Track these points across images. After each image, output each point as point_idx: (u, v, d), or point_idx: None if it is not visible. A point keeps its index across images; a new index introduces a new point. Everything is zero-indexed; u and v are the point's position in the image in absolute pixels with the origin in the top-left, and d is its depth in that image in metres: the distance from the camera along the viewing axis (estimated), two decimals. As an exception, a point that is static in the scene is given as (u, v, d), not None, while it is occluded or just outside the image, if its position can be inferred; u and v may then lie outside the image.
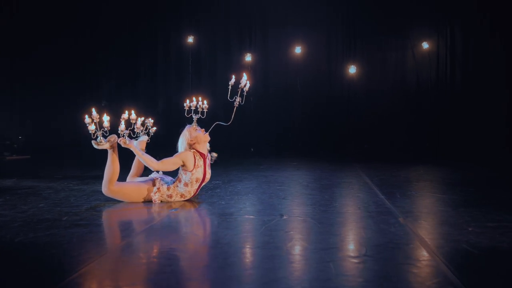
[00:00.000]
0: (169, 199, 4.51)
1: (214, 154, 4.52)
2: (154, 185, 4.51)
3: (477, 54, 10.64)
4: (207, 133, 4.55)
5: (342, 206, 4.37)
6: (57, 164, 8.01)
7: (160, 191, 4.48)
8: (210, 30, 11.69)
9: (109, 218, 3.98)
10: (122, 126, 4.33)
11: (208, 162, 4.56)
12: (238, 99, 4.48)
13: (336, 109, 11.59)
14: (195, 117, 4.55)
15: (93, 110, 4.28)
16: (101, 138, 4.38)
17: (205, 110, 4.58)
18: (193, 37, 11.00)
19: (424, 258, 2.75)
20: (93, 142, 4.40)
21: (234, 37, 11.71)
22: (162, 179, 4.57)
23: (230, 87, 4.40)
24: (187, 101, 4.62)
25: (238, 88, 4.47)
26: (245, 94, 4.51)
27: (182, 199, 4.55)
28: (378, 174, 6.62)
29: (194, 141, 4.46)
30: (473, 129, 10.42)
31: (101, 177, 4.48)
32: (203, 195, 4.87)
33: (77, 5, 10.84)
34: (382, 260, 2.72)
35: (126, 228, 3.69)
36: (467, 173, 6.95)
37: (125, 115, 4.39)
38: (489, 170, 7.34)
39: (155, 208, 4.28)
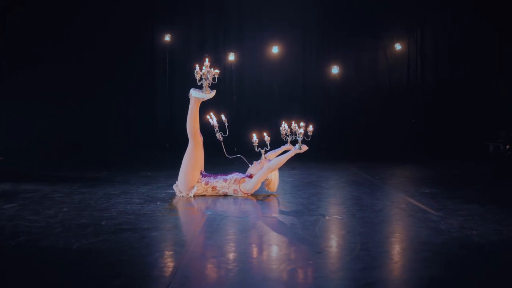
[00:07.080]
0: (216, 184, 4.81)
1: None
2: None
3: (448, 54, 11.10)
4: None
5: (375, 205, 4.38)
6: (37, 166, 7.63)
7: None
8: (186, 28, 11.48)
9: (150, 221, 3.75)
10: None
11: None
12: (219, 133, 4.94)
13: (311, 108, 11.69)
14: (262, 151, 4.89)
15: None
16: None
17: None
18: (169, 35, 10.78)
19: (499, 254, 2.84)
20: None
21: (209, 36, 11.56)
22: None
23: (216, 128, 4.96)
24: (254, 136, 4.90)
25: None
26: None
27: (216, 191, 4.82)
28: (376, 173, 6.74)
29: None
30: (449, 127, 10.84)
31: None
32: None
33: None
34: (466, 259, 2.79)
35: (177, 233, 3.54)
36: (453, 170, 7.21)
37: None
38: (472, 165, 7.67)
39: (188, 210, 4.18)
